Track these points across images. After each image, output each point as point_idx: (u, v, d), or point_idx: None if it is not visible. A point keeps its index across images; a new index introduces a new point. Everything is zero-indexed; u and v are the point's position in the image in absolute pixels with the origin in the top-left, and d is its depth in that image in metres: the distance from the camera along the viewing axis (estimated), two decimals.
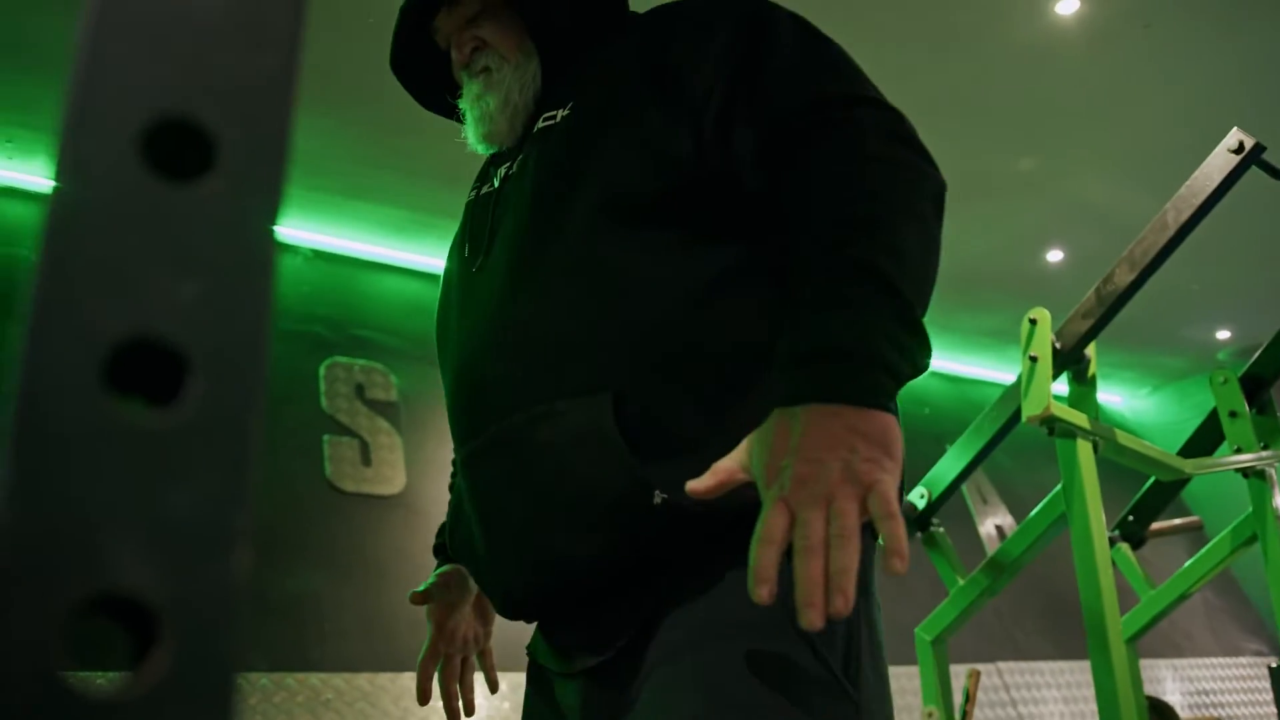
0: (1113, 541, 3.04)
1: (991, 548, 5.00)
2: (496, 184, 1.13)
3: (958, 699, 2.43)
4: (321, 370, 3.92)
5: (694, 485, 0.83)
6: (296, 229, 4.44)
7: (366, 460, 3.71)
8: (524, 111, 1.13)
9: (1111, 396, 5.87)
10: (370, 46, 3.36)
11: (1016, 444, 4.30)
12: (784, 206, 0.93)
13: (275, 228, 0.31)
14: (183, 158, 0.30)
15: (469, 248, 1.13)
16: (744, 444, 0.83)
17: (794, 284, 0.88)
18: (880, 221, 0.86)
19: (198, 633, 0.25)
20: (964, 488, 3.66)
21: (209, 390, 0.28)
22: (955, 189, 3.99)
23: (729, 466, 0.83)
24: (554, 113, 1.09)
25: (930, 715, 2.45)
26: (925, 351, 0.85)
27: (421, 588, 1.23)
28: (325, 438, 3.70)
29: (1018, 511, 4.86)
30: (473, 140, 1.17)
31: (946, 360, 5.28)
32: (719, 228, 0.99)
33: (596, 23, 1.17)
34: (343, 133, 3.63)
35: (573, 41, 1.15)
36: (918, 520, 2.50)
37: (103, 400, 0.25)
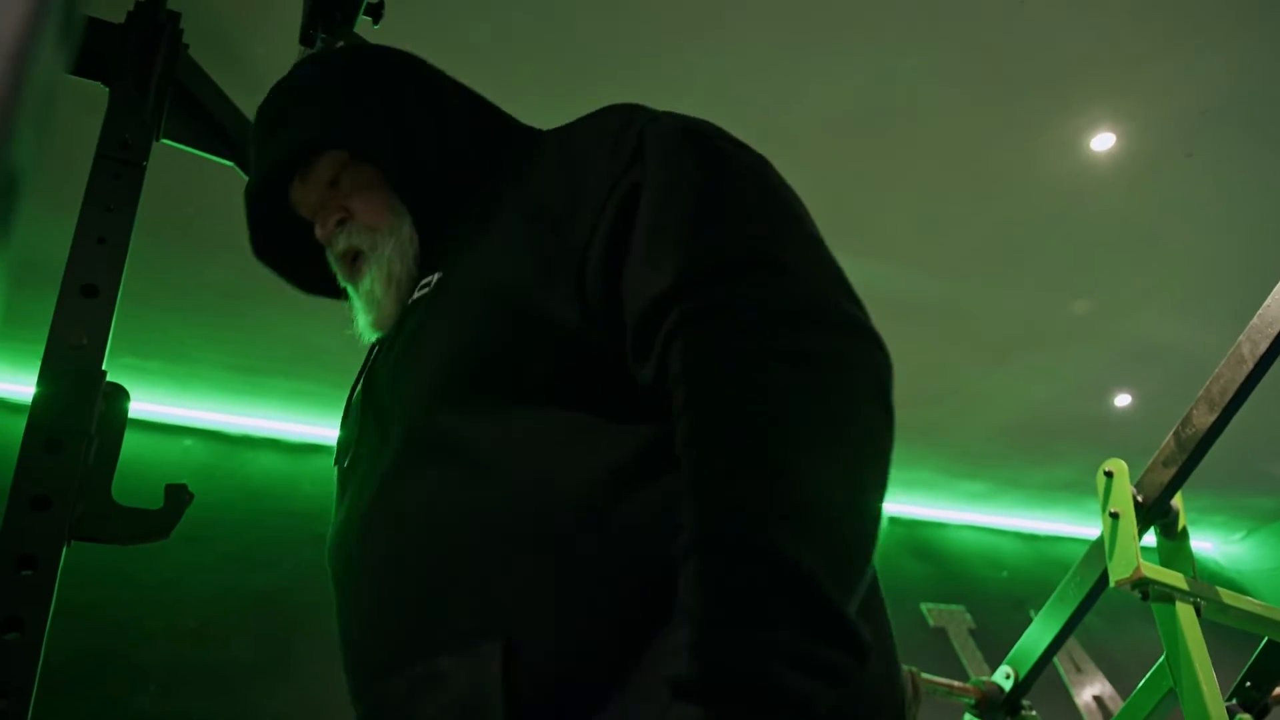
0: (1232, 713, 2.74)
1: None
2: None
3: None
4: None
5: None
6: (333, 426, 4.39)
7: None
8: (408, 281, 0.96)
9: (1202, 544, 5.51)
10: None
11: (1106, 603, 3.99)
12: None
13: None
14: None
15: (339, 447, 0.97)
16: None
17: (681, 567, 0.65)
18: (776, 467, 0.63)
19: None
20: (1055, 659, 3.37)
21: None
22: (1010, 340, 3.84)
23: None
24: (429, 279, 0.92)
25: None
26: (858, 654, 0.61)
27: None
28: None
29: (1116, 678, 4.46)
30: (363, 331, 1.01)
31: (1020, 518, 5.00)
32: (617, 408, 0.76)
33: (477, 160, 1.01)
34: None
35: (447, 189, 0.99)
36: (1006, 704, 2.25)
37: None
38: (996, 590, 4.06)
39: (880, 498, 0.67)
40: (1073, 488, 5.13)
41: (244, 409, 4.22)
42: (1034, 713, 2.33)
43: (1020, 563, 4.30)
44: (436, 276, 0.91)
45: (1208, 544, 5.34)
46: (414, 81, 1.03)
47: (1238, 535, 5.41)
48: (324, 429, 4.38)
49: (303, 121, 1.02)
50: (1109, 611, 4.00)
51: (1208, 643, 2.15)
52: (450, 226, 0.97)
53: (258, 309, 3.52)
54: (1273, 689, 2.76)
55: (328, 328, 3.63)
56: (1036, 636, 2.25)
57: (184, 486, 1.36)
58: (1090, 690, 4.36)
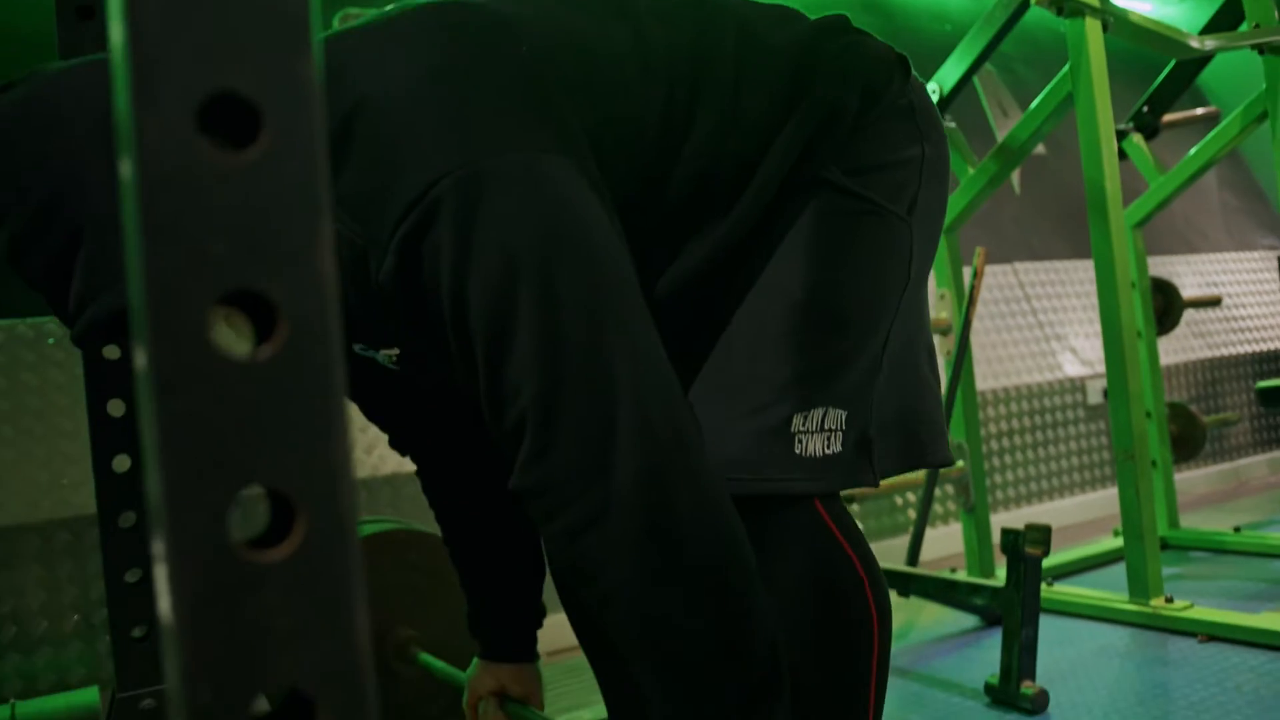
0: (1126, 133, 3.10)
1: None
2: None
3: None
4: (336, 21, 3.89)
5: None
6: None
7: None
8: None
9: (1141, 4, 5.67)
10: None
11: (1042, 58, 4.24)
12: None
13: None
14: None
15: None
16: None
17: None
18: None
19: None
20: (984, 102, 3.69)
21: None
22: None
23: None
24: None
25: (943, 296, 2.65)
26: None
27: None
28: None
29: None
30: None
31: None
32: None
33: None
34: None
35: None
36: None
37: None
38: (939, 42, 4.27)
39: None
40: None
41: None
42: (954, 124, 2.67)
43: (964, 18, 4.46)
44: None
45: (1147, 5, 5.48)
46: None
47: None
48: None
49: None
50: (1040, 61, 4.28)
51: (1122, 86, 2.38)
52: None
53: None
54: (1165, 112, 3.11)
55: None
56: (960, 56, 2.51)
57: None
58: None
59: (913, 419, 1.02)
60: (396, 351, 0.98)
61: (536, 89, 0.86)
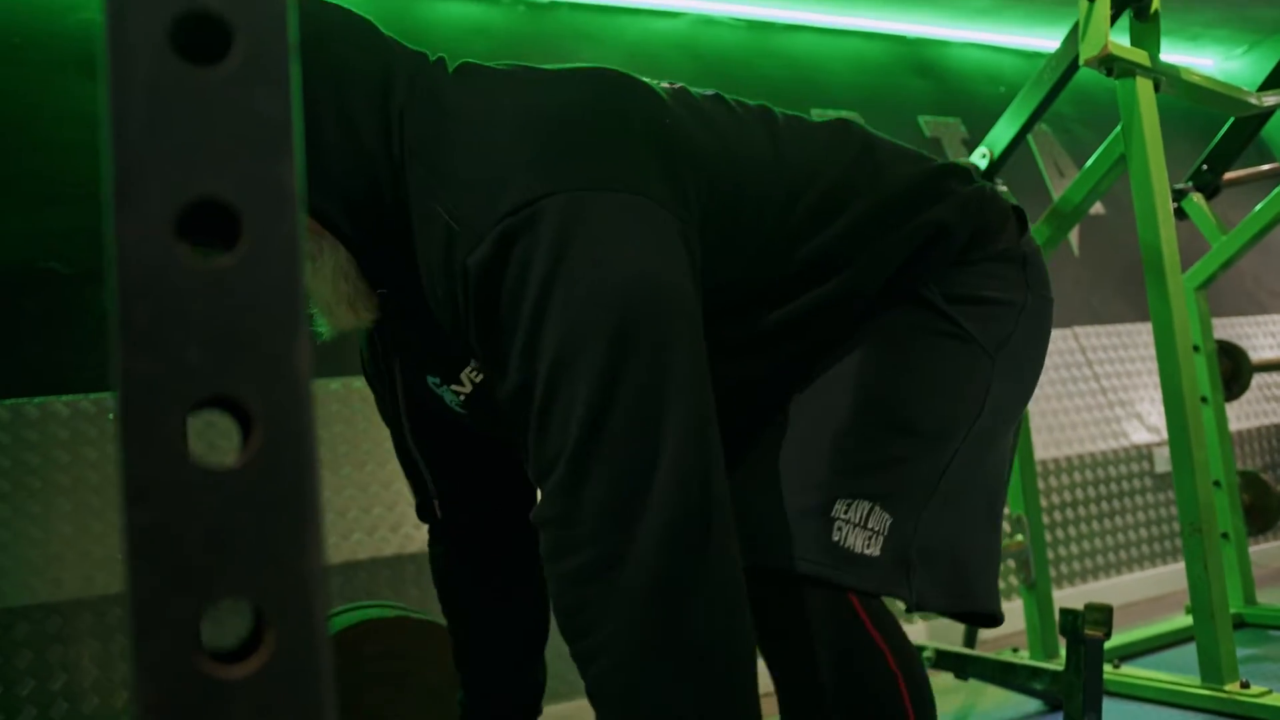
0: (1185, 193, 3.03)
1: None
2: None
3: None
4: None
5: None
6: None
7: None
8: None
9: (1203, 60, 5.60)
10: None
11: (1098, 117, 4.20)
12: None
13: None
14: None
15: None
16: None
17: None
18: None
19: None
20: (1040, 163, 3.64)
21: None
22: None
23: None
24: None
25: None
26: None
27: None
28: None
29: None
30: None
31: (1019, 35, 5.05)
32: None
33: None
34: None
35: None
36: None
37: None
38: (992, 104, 4.24)
39: None
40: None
41: None
42: (1005, 188, 2.64)
43: (1018, 78, 4.44)
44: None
45: (1208, 60, 5.40)
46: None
47: (1239, 50, 5.46)
48: None
49: None
50: (1096, 122, 4.23)
51: (1184, 142, 2.34)
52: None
53: None
54: (1225, 170, 3.04)
55: None
56: (1010, 119, 2.48)
57: None
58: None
59: (964, 559, 1.01)
60: (467, 390, 1.00)
61: (668, 153, 0.91)
